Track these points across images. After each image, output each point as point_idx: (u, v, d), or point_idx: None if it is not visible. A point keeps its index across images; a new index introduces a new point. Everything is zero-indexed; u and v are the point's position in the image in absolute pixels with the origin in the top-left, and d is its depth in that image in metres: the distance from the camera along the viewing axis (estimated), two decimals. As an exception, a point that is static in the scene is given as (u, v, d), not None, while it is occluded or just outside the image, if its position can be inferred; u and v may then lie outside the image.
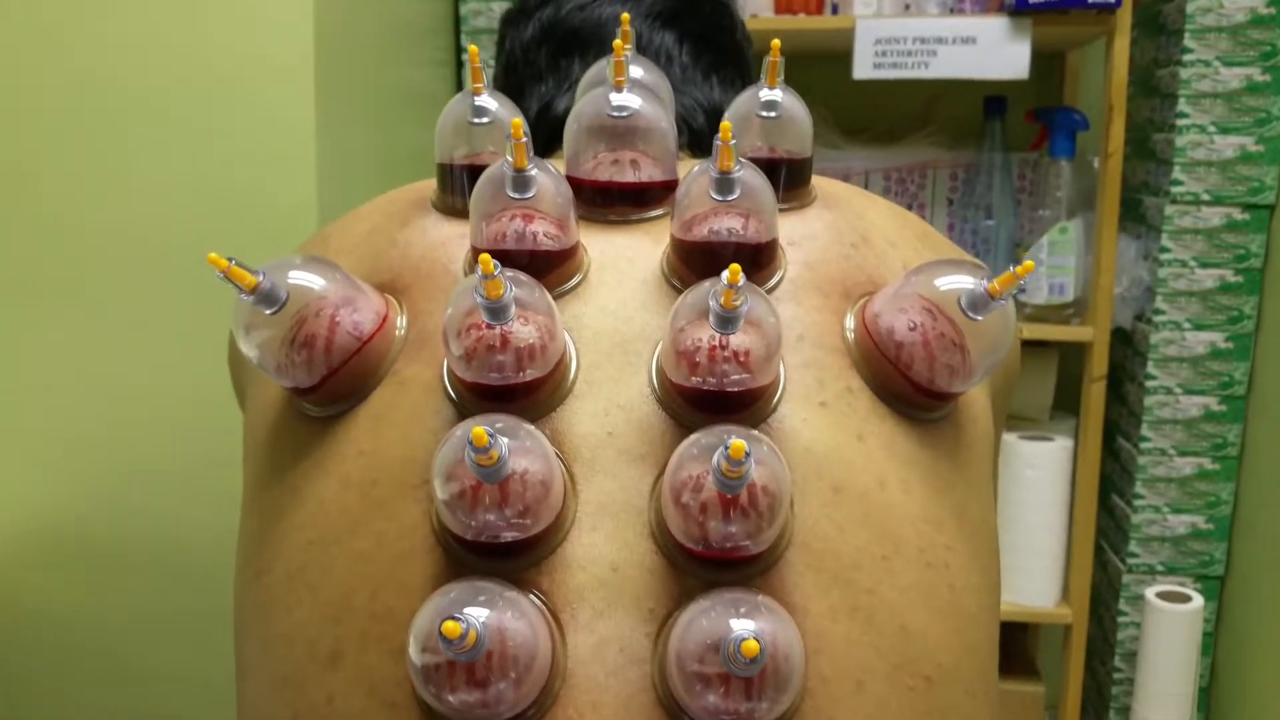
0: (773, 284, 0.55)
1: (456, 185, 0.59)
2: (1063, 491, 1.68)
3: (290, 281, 0.51)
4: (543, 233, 0.53)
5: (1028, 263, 0.50)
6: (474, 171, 0.58)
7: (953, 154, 1.75)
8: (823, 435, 0.51)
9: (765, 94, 0.58)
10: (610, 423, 0.51)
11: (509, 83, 0.83)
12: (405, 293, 0.56)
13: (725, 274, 0.45)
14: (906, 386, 0.53)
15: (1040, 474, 1.66)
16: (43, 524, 1.15)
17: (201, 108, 1.07)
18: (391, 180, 1.37)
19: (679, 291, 0.55)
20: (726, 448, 0.43)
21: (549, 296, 0.50)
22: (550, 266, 0.54)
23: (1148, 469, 1.70)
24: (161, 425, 1.13)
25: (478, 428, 0.43)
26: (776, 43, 0.57)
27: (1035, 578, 1.69)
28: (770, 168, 0.58)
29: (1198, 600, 1.67)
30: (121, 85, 1.06)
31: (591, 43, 0.79)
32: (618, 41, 0.56)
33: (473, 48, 0.57)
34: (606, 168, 0.58)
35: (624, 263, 0.56)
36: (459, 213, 0.59)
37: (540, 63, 0.80)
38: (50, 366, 1.12)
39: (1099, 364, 1.59)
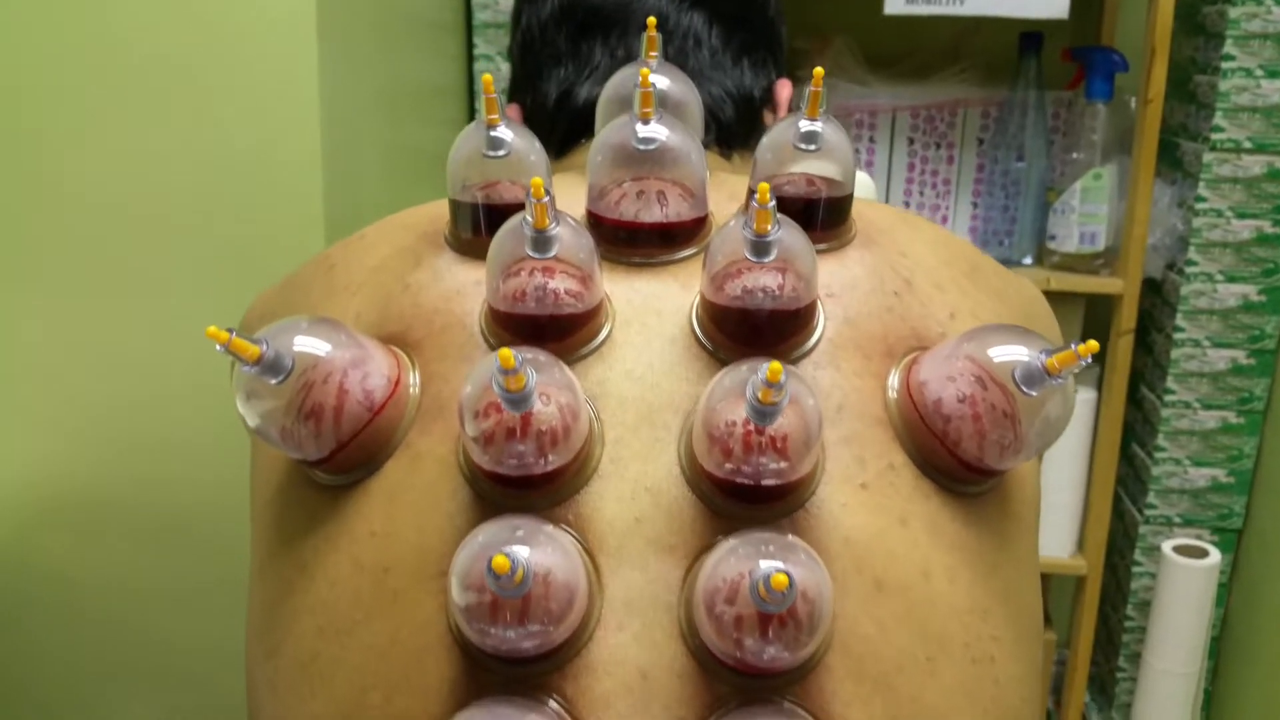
0: (810, 345, 0.51)
1: (471, 222, 0.55)
2: (1083, 445, 1.65)
3: (295, 348, 0.47)
4: (564, 290, 0.49)
5: (1091, 343, 0.46)
6: (491, 210, 0.54)
7: (985, 91, 1.68)
8: (864, 522, 0.47)
9: (805, 125, 0.53)
10: (638, 507, 0.47)
11: (525, 63, 0.78)
12: (417, 348, 0.52)
13: (764, 370, 0.42)
14: (953, 462, 0.49)
15: (1061, 426, 1.63)
16: (54, 491, 1.13)
17: (203, 76, 1.02)
18: (398, 145, 1.32)
19: (709, 354, 0.51)
20: (767, 577, 0.39)
21: (571, 374, 0.47)
22: (573, 328, 0.50)
23: (1170, 421, 1.67)
24: (169, 394, 1.10)
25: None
26: (819, 71, 0.52)
27: (1051, 529, 1.67)
28: (808, 206, 0.54)
29: (1214, 555, 1.65)
30: (122, 55, 1.01)
31: (614, 24, 0.73)
32: (644, 71, 0.51)
33: (486, 77, 0.52)
34: (632, 201, 0.54)
35: (651, 316, 0.52)
36: (473, 251, 0.55)
37: (560, 45, 0.74)
38: (58, 336, 1.09)
39: (1128, 318, 1.54)
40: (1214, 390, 1.65)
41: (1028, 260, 1.65)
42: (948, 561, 0.48)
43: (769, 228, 0.47)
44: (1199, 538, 1.72)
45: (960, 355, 0.49)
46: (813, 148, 0.53)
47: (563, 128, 0.73)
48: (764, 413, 0.43)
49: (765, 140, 0.55)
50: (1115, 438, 1.61)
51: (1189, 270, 1.60)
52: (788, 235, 0.48)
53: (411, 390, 0.50)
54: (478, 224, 0.54)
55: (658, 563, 0.46)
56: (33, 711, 1.21)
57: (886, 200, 1.74)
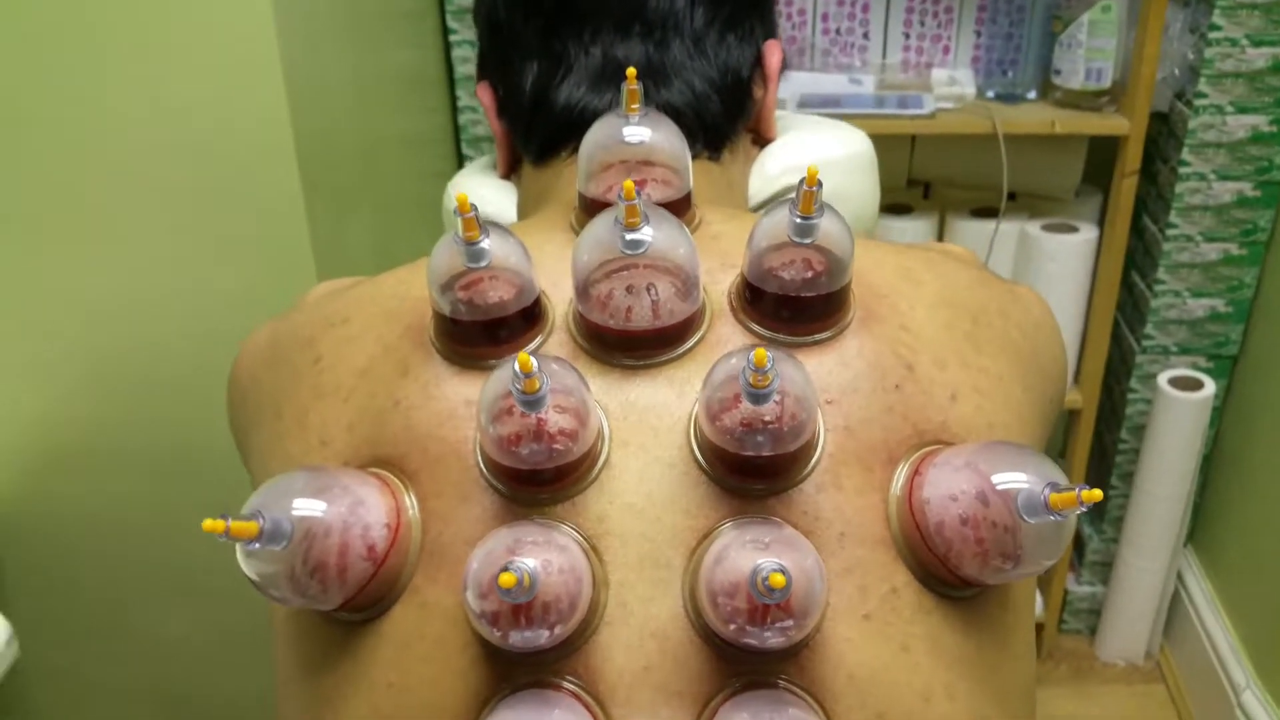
0: (811, 466, 0.50)
1: (457, 335, 0.53)
2: (1083, 284, 1.65)
3: (294, 513, 0.47)
4: (559, 431, 0.48)
5: (1096, 492, 0.45)
6: (478, 326, 0.52)
7: (988, -88, 1.57)
8: (867, 656, 0.48)
9: (799, 220, 0.50)
10: (645, 655, 0.48)
11: (493, 45, 0.73)
12: (414, 478, 0.51)
13: (767, 575, 0.42)
14: (953, 578, 0.50)
15: (1062, 267, 1.62)
16: (57, 431, 1.14)
17: (167, 35, 0.97)
18: (368, 95, 1.25)
19: (709, 478, 0.50)
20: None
21: (581, 558, 0.47)
22: (570, 469, 0.49)
23: (1171, 255, 1.66)
24: (155, 339, 1.10)
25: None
26: (813, 169, 0.49)
27: (1048, 365, 1.69)
28: (805, 302, 0.52)
29: (1208, 388, 1.68)
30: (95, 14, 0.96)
31: (587, 18, 0.68)
32: (628, 182, 0.48)
33: (460, 195, 0.48)
34: (621, 297, 0.52)
35: (647, 434, 0.51)
36: (462, 360, 0.53)
37: (529, 38, 0.69)
38: (45, 289, 1.08)
39: (1132, 159, 1.50)
40: (1218, 223, 1.62)
41: (1032, 95, 1.59)
42: (948, 679, 0.49)
43: (768, 384, 0.45)
44: (1195, 365, 1.74)
45: (963, 472, 0.48)
46: (807, 241, 0.51)
47: (540, 134, 0.69)
48: (766, 599, 0.43)
49: (759, 230, 0.52)
50: (1115, 278, 1.60)
51: (1198, 103, 1.54)
52: (789, 383, 0.46)
53: (413, 530, 0.50)
54: (464, 337, 0.53)
55: (668, 710, 0.48)
56: (70, 636, 1.26)
57: (884, 41, 1.66)
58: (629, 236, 0.50)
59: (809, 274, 0.52)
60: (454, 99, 1.73)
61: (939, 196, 1.77)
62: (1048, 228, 1.63)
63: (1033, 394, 0.58)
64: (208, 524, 0.43)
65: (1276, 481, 1.62)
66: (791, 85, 1.65)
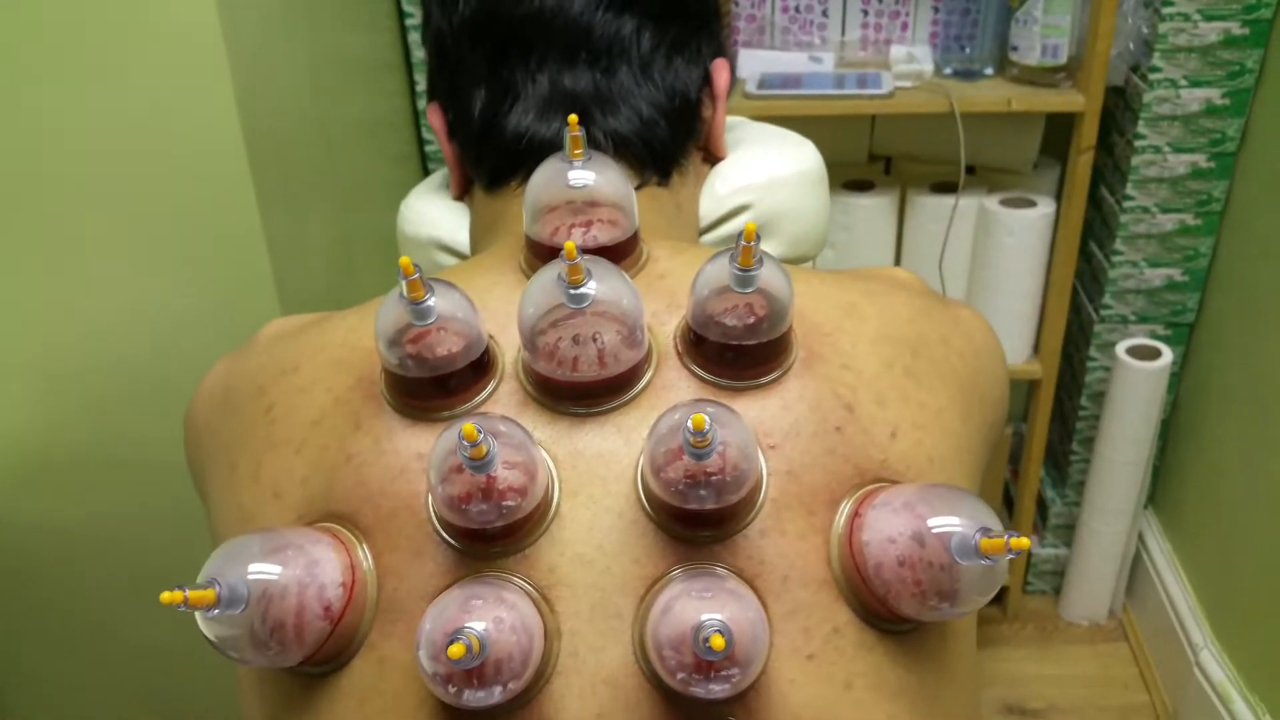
0: (754, 512, 0.52)
1: (407, 388, 0.54)
2: (1041, 257, 1.66)
3: (250, 577, 0.48)
4: (509, 488, 0.49)
5: (1024, 540, 0.47)
6: (427, 380, 0.53)
7: (943, -112, 1.57)
8: (810, 695, 0.50)
9: (739, 273, 0.51)
10: (598, 702, 0.50)
11: (441, 69, 0.73)
12: (368, 534, 0.52)
13: (708, 636, 0.43)
14: (892, 616, 0.52)
15: (1020, 241, 1.64)
16: (35, 445, 1.14)
17: (112, 43, 0.96)
18: (324, 84, 1.25)
19: (656, 525, 0.52)
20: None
21: (532, 612, 0.48)
22: (519, 525, 0.50)
23: (1129, 227, 1.68)
24: (125, 352, 1.10)
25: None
26: (751, 226, 0.50)
27: (1008, 337, 1.71)
28: (747, 348, 0.54)
29: (1165, 357, 1.70)
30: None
31: (534, 45, 0.68)
32: (569, 243, 0.49)
33: (404, 259, 0.49)
34: (567, 347, 0.53)
35: (595, 483, 0.52)
36: (413, 412, 0.54)
37: (477, 66, 0.69)
38: (32, 299, 1.08)
39: (1088, 135, 1.52)
40: (1173, 194, 1.64)
41: (989, 71, 1.60)
42: (891, 712, 0.51)
43: (708, 444, 0.46)
44: (1152, 334, 1.76)
45: (901, 514, 0.50)
46: (749, 290, 0.52)
47: (490, 163, 0.69)
48: (708, 656, 0.45)
49: (701, 278, 0.53)
50: (1073, 251, 1.62)
51: (1152, 77, 1.55)
52: (730, 438, 0.48)
53: (368, 587, 0.51)
54: (413, 388, 0.54)
55: None
56: (57, 639, 1.27)
57: (843, 18, 1.66)
58: (573, 292, 0.51)
59: (751, 319, 0.53)
60: (411, 83, 1.73)
61: (899, 171, 1.78)
62: (1006, 202, 1.65)
63: (972, 423, 0.60)
64: (165, 596, 0.44)
65: (1233, 444, 1.66)
66: (751, 64, 1.65)
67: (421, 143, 1.78)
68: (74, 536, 1.20)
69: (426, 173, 1.80)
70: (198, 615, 0.48)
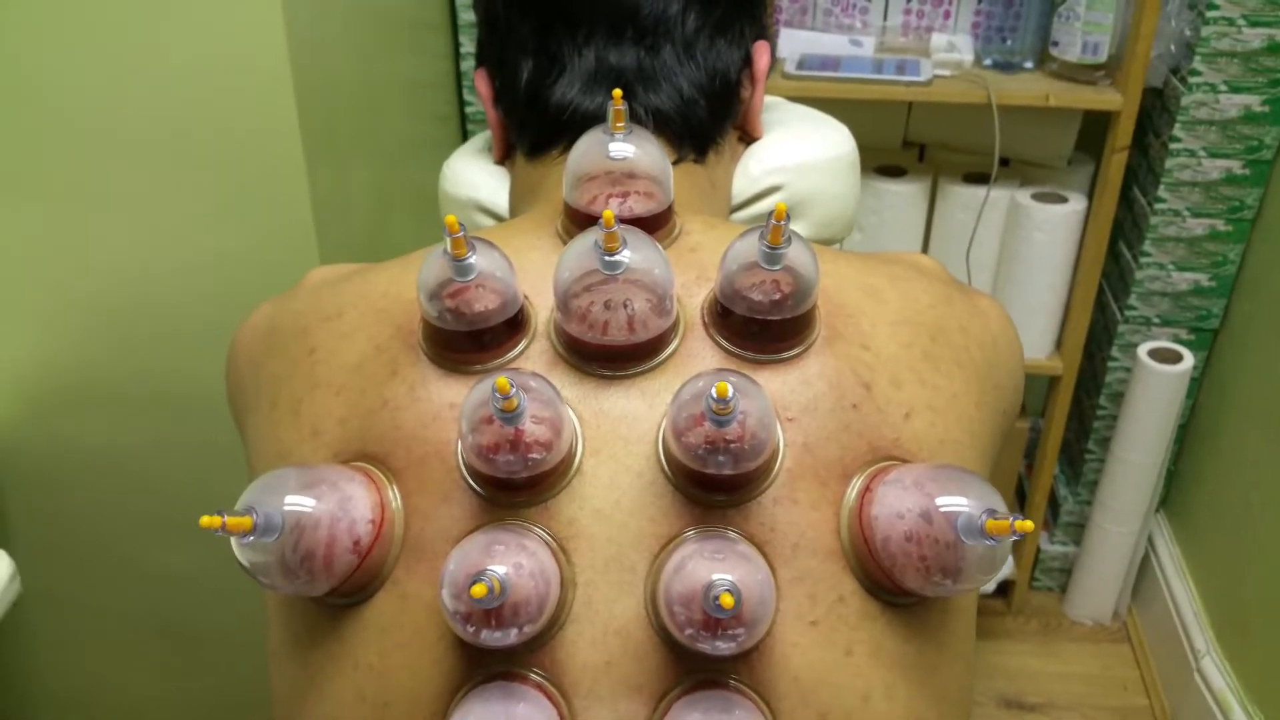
0: (769, 481, 0.54)
1: (443, 340, 0.56)
2: (1069, 254, 1.67)
3: (285, 508, 0.50)
4: (536, 441, 0.51)
5: (1028, 523, 0.49)
6: (463, 333, 0.55)
7: (995, -121, 1.57)
8: (811, 659, 0.52)
9: (767, 250, 0.53)
10: (608, 651, 0.52)
11: (491, 39, 0.75)
12: (399, 476, 0.55)
13: (718, 595, 0.45)
14: (897, 589, 0.53)
15: (1049, 237, 1.64)
16: (61, 373, 1.17)
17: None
18: (369, 41, 1.26)
19: (674, 487, 0.54)
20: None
21: (550, 561, 0.50)
22: (543, 478, 0.53)
23: (1158, 229, 1.68)
24: (156, 289, 1.13)
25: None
26: (782, 205, 0.52)
27: (1030, 331, 1.72)
28: (771, 323, 0.55)
29: (1187, 361, 1.71)
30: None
31: (583, 20, 0.70)
32: (607, 212, 0.51)
33: (450, 218, 0.51)
34: (600, 311, 0.55)
35: (618, 443, 0.55)
36: (448, 364, 0.56)
37: (524, 36, 0.71)
38: (54, 240, 1.11)
39: (1123, 134, 1.52)
40: (1205, 199, 1.65)
41: (1029, 64, 1.60)
42: (888, 680, 0.53)
43: (730, 413, 0.48)
44: (1176, 337, 1.77)
45: (911, 491, 0.52)
46: (777, 268, 0.54)
47: (533, 132, 0.71)
48: (717, 614, 0.47)
49: (730, 253, 0.55)
50: (1101, 250, 1.62)
51: (1192, 80, 1.55)
52: (749, 410, 0.50)
53: (396, 525, 0.54)
54: (450, 342, 0.56)
55: (627, 702, 0.52)
56: (79, 561, 1.31)
57: (886, 3, 1.66)
58: (608, 259, 0.53)
59: (776, 295, 0.55)
60: (456, 45, 1.74)
61: (933, 159, 1.79)
62: (1037, 197, 1.65)
63: (985, 410, 0.61)
64: (205, 520, 0.47)
65: (1249, 454, 1.67)
66: (791, 43, 1.66)
67: (462, 104, 1.79)
68: (107, 464, 1.23)
69: (466, 133, 1.82)
70: (233, 541, 0.51)
